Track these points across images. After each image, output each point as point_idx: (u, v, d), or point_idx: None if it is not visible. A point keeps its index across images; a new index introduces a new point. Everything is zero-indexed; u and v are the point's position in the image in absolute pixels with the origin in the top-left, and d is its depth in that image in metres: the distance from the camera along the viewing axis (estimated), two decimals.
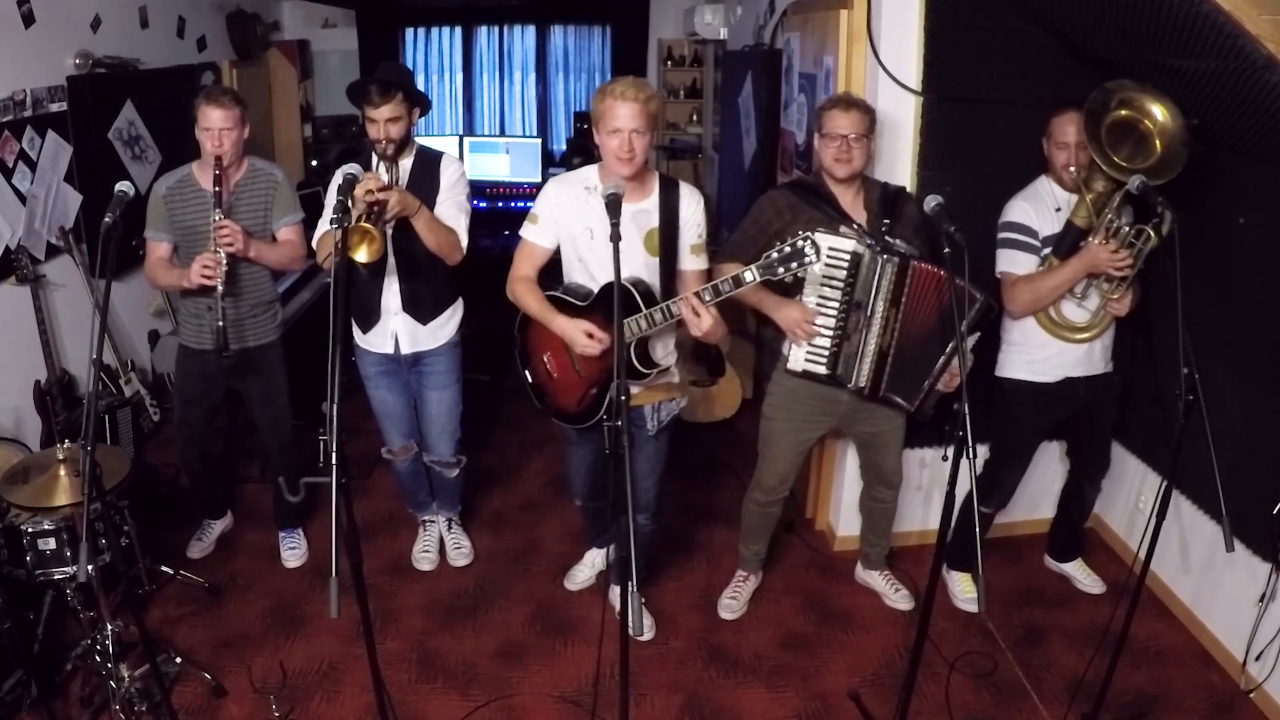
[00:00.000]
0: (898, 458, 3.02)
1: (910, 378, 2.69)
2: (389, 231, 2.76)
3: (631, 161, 2.38)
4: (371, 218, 2.52)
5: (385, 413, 3.20)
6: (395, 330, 3.00)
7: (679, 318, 2.41)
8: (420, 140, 2.96)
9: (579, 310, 2.56)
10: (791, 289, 2.73)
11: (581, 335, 2.47)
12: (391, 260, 2.88)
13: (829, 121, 2.65)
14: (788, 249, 2.25)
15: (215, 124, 2.77)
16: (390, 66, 3.05)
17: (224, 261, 2.79)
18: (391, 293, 2.96)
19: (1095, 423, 3.08)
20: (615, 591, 3.14)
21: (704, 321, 2.34)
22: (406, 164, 2.88)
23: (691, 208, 2.56)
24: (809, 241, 2.23)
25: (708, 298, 2.36)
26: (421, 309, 3.00)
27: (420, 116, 2.91)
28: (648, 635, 3.09)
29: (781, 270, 2.27)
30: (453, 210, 2.87)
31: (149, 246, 2.95)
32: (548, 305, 2.58)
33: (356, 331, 3.09)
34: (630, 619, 1.75)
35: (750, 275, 2.31)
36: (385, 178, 2.69)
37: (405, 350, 3.03)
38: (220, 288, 2.79)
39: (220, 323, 2.81)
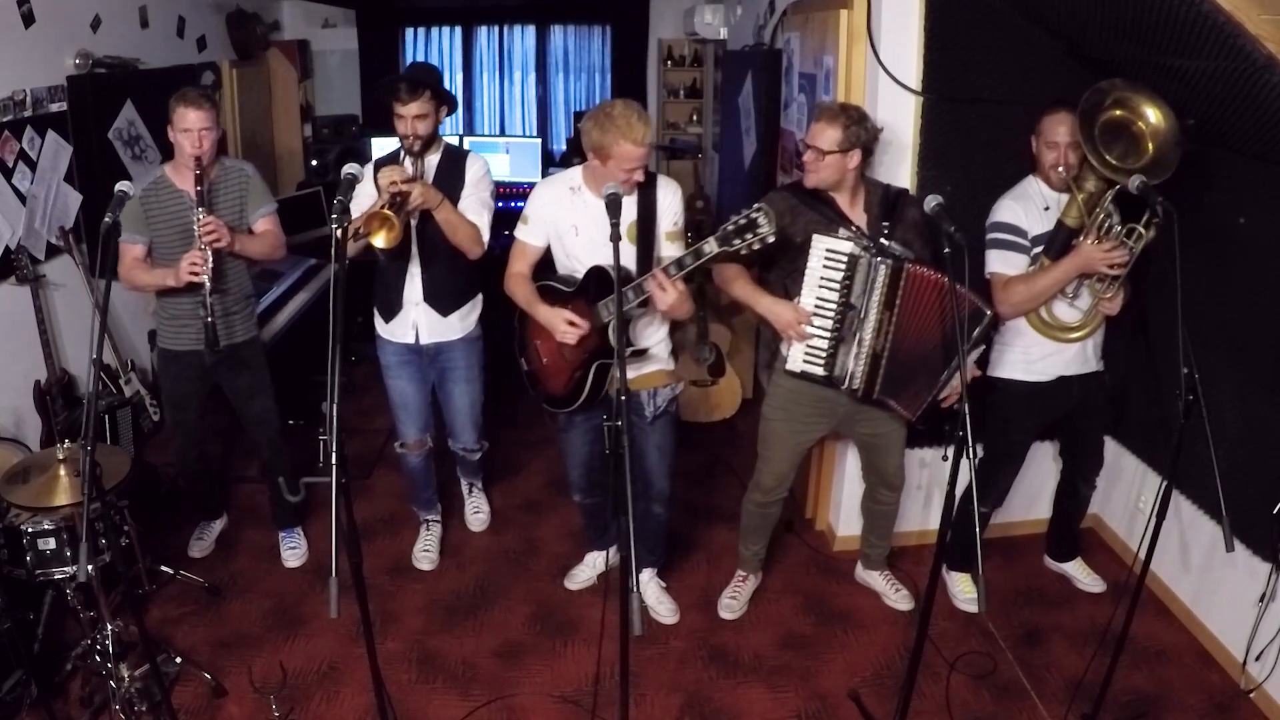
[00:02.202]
0: (899, 459, 3.02)
1: (908, 384, 2.68)
2: (413, 223, 2.90)
3: (638, 183, 2.54)
4: (394, 207, 2.64)
5: (402, 404, 3.25)
6: (416, 321, 3.08)
7: (647, 295, 2.48)
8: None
9: (566, 296, 2.67)
10: (790, 289, 2.74)
11: (561, 323, 2.59)
12: (414, 251, 2.99)
13: (809, 130, 2.67)
14: (743, 220, 2.29)
15: (195, 125, 2.81)
16: (420, 66, 3.22)
17: (210, 258, 2.82)
18: (413, 284, 3.04)
19: (1087, 420, 3.08)
20: (645, 575, 3.20)
21: (668, 296, 2.42)
22: (433, 160, 2.97)
23: (668, 198, 2.65)
24: (762, 212, 2.27)
25: (673, 272, 2.43)
26: (442, 300, 3.07)
27: (447, 115, 3.02)
28: (671, 620, 3.13)
29: (738, 241, 2.31)
30: (475, 206, 2.96)
31: (123, 249, 2.94)
32: (535, 297, 2.71)
33: (378, 321, 3.17)
34: (633, 619, 1.75)
35: (709, 246, 2.36)
36: (410, 171, 2.82)
37: (425, 340, 3.11)
38: (208, 284, 2.82)
39: (210, 319, 2.83)
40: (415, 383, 3.21)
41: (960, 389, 2.08)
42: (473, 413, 3.32)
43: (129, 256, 2.94)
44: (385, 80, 2.93)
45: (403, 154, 2.91)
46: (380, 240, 2.62)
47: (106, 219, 2.19)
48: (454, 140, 6.10)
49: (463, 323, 3.14)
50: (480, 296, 3.21)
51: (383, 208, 2.63)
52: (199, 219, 2.79)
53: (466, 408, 3.29)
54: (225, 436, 4.16)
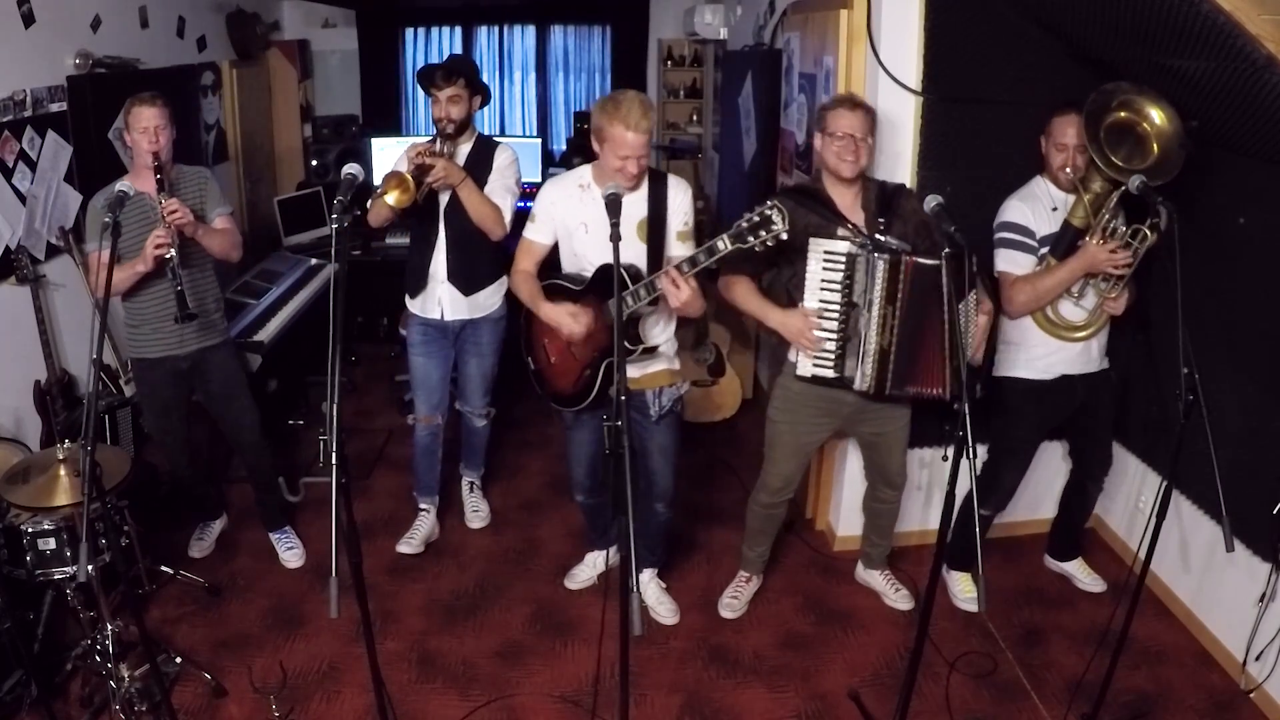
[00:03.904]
0: (903, 458, 3.01)
1: (923, 369, 2.65)
2: (441, 203, 3.13)
3: (635, 178, 2.54)
4: (415, 179, 2.88)
5: (420, 379, 3.40)
6: (441, 298, 3.25)
7: (659, 294, 2.48)
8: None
9: (575, 294, 2.68)
10: (794, 295, 2.73)
11: (566, 317, 2.61)
12: (441, 231, 3.18)
13: (834, 121, 2.65)
14: (756, 217, 2.29)
15: (151, 121, 2.82)
16: (458, 57, 3.58)
17: (175, 236, 2.82)
18: (439, 262, 3.22)
19: (1095, 420, 3.08)
20: (645, 576, 3.21)
21: (682, 293, 2.42)
22: (465, 149, 3.18)
23: (679, 198, 2.66)
24: (776, 209, 2.27)
25: (686, 269, 2.43)
26: (466, 280, 3.23)
27: (482, 106, 3.24)
28: (671, 620, 3.13)
29: (752, 239, 2.30)
30: (499, 190, 3.15)
31: (91, 259, 2.92)
32: (539, 295, 2.73)
33: (407, 297, 3.35)
34: (633, 619, 1.75)
35: (722, 244, 2.35)
36: (438, 148, 3.04)
37: (449, 317, 3.28)
38: (175, 255, 2.82)
39: (179, 287, 2.83)
40: (436, 360, 3.36)
41: (962, 383, 2.08)
42: (484, 381, 3.48)
43: (97, 264, 2.91)
44: (424, 67, 3.16)
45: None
46: (391, 198, 2.83)
47: (106, 219, 2.20)
48: None
49: (486, 302, 3.31)
50: (505, 278, 3.29)
51: (406, 172, 2.86)
52: (161, 202, 2.80)
53: (478, 378, 3.46)
54: (223, 436, 4.15)
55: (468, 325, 3.32)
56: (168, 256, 2.83)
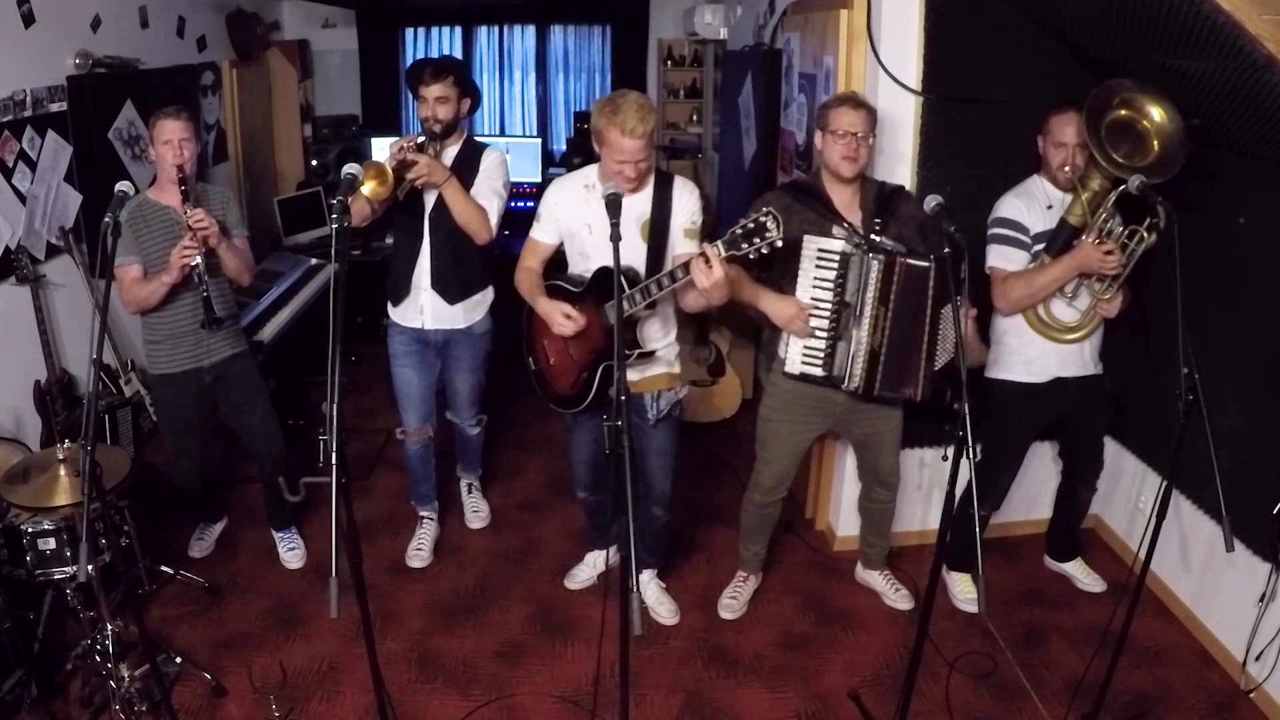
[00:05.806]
0: (895, 458, 3.01)
1: (906, 371, 2.67)
2: (427, 207, 3.05)
3: (635, 181, 2.51)
4: (396, 175, 2.83)
5: (406, 392, 3.31)
6: (423, 306, 3.16)
7: (670, 287, 2.47)
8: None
9: (574, 296, 2.66)
10: (786, 291, 2.73)
11: (559, 315, 2.59)
12: (426, 237, 3.10)
13: (837, 119, 2.64)
14: (750, 225, 2.28)
15: (175, 134, 2.83)
16: (448, 56, 3.47)
17: (201, 245, 2.83)
18: (423, 269, 3.13)
19: (1086, 424, 3.08)
20: (644, 576, 3.20)
21: (714, 273, 2.30)
22: (452, 151, 3.09)
23: (685, 198, 2.64)
24: (770, 216, 2.26)
25: (680, 275, 2.42)
26: (450, 288, 3.15)
27: (472, 109, 3.16)
28: (671, 621, 3.13)
29: (745, 246, 2.30)
30: (486, 192, 3.06)
31: (120, 273, 2.89)
32: (539, 290, 2.71)
33: (389, 305, 3.26)
34: (633, 619, 1.75)
35: (716, 250, 2.34)
36: (423, 145, 2.97)
37: (431, 326, 3.18)
38: (201, 263, 2.83)
39: (206, 293, 2.85)
40: (420, 371, 3.28)
41: (961, 383, 2.08)
42: (472, 394, 3.42)
43: (129, 278, 2.91)
44: (413, 64, 3.08)
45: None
46: (367, 189, 2.74)
47: (106, 219, 2.20)
48: None
49: (468, 314, 3.22)
50: (490, 289, 3.27)
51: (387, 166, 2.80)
52: (187, 213, 2.80)
53: (466, 392, 3.40)
54: (225, 437, 4.15)
55: (450, 341, 3.23)
56: (194, 264, 2.83)
